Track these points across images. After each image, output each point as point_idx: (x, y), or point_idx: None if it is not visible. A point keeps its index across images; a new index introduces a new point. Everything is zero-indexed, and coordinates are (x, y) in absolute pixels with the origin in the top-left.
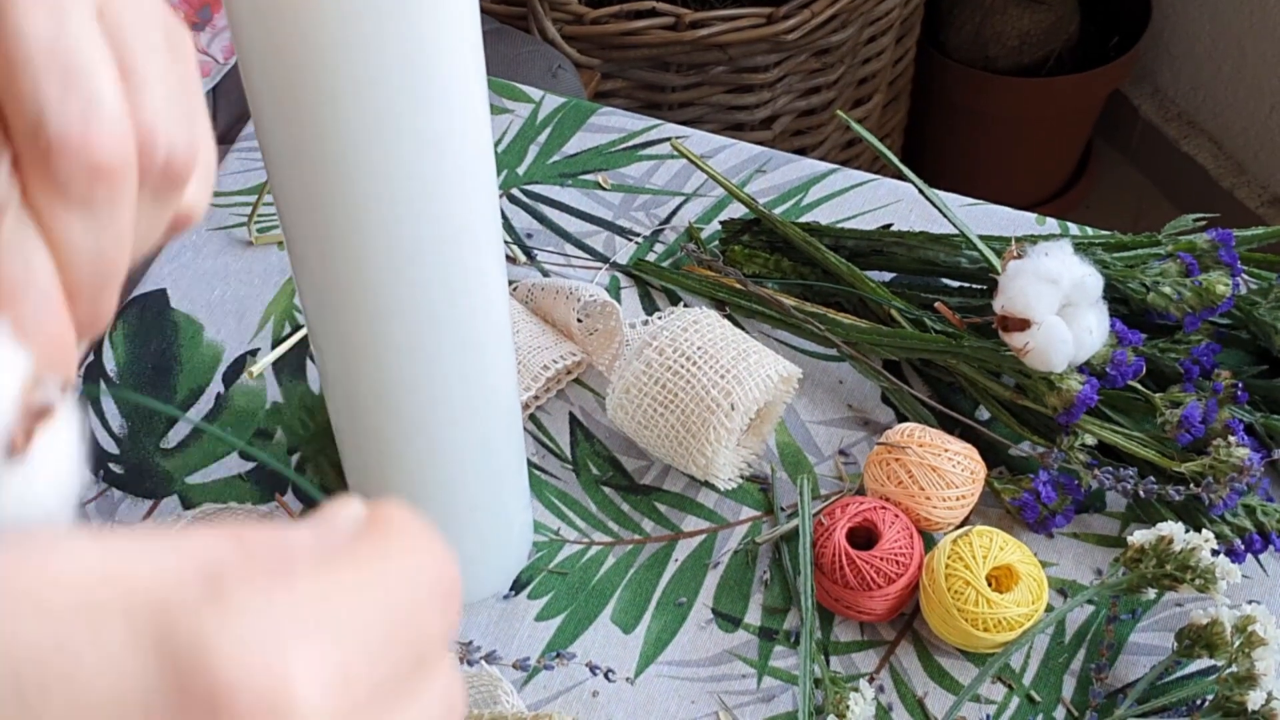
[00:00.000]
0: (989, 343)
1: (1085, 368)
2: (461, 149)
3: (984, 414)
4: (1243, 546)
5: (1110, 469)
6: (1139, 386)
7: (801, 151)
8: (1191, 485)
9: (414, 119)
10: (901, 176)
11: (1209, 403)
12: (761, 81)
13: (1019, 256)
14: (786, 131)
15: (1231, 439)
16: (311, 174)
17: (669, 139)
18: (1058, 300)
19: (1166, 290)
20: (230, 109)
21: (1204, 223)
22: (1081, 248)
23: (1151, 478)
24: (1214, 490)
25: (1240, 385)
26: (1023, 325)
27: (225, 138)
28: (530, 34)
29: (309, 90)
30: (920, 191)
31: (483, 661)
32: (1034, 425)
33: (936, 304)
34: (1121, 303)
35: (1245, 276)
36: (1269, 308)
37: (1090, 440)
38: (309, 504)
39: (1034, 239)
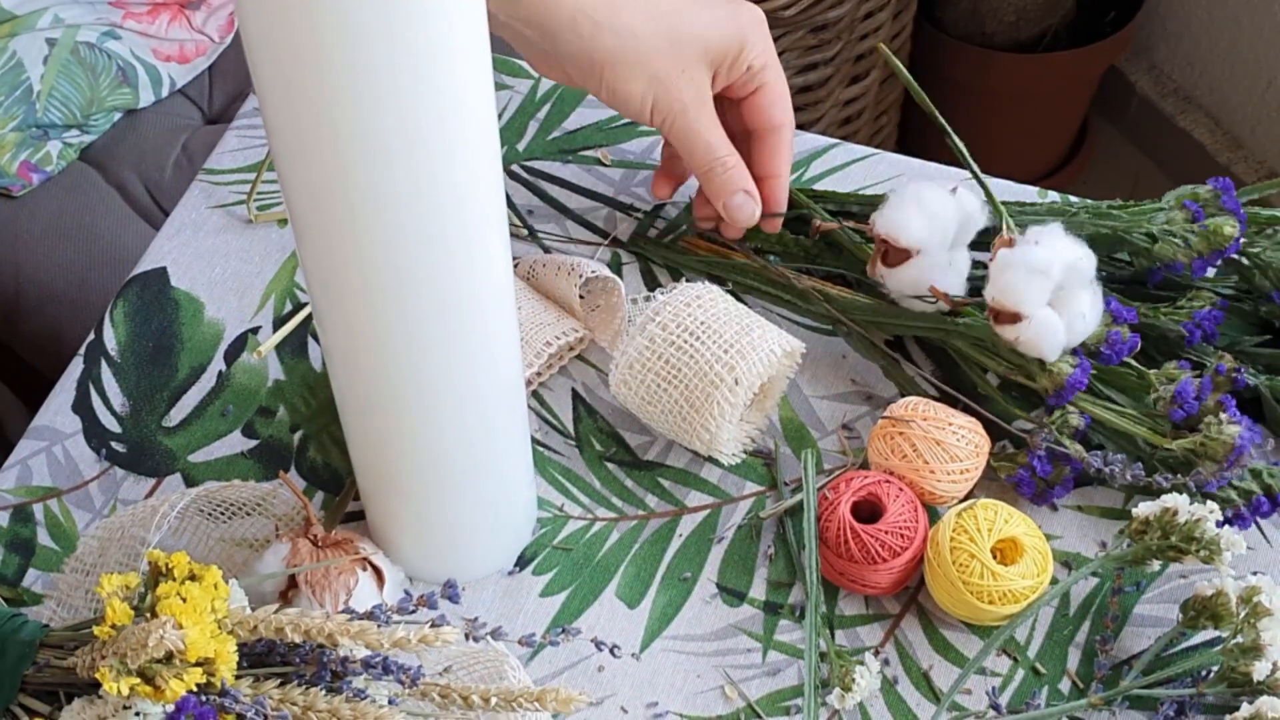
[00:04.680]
0: (986, 321)
1: (1080, 348)
2: (466, 124)
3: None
4: (1248, 511)
5: (1098, 453)
6: (1133, 362)
7: (799, 127)
8: (1178, 475)
9: (417, 94)
10: (903, 151)
11: (1203, 380)
12: None
13: (1010, 244)
14: None
15: (1223, 415)
16: (314, 148)
17: None
18: (1049, 291)
19: (1174, 238)
20: (226, 87)
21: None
22: (1086, 210)
23: (1139, 463)
24: (1201, 479)
25: (1240, 369)
26: (1014, 318)
27: (222, 116)
28: None
29: (311, 66)
30: (965, 166)
31: (489, 637)
32: (1032, 401)
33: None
34: (1125, 264)
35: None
36: (1275, 249)
37: (1076, 420)
38: (313, 481)
39: (1031, 217)
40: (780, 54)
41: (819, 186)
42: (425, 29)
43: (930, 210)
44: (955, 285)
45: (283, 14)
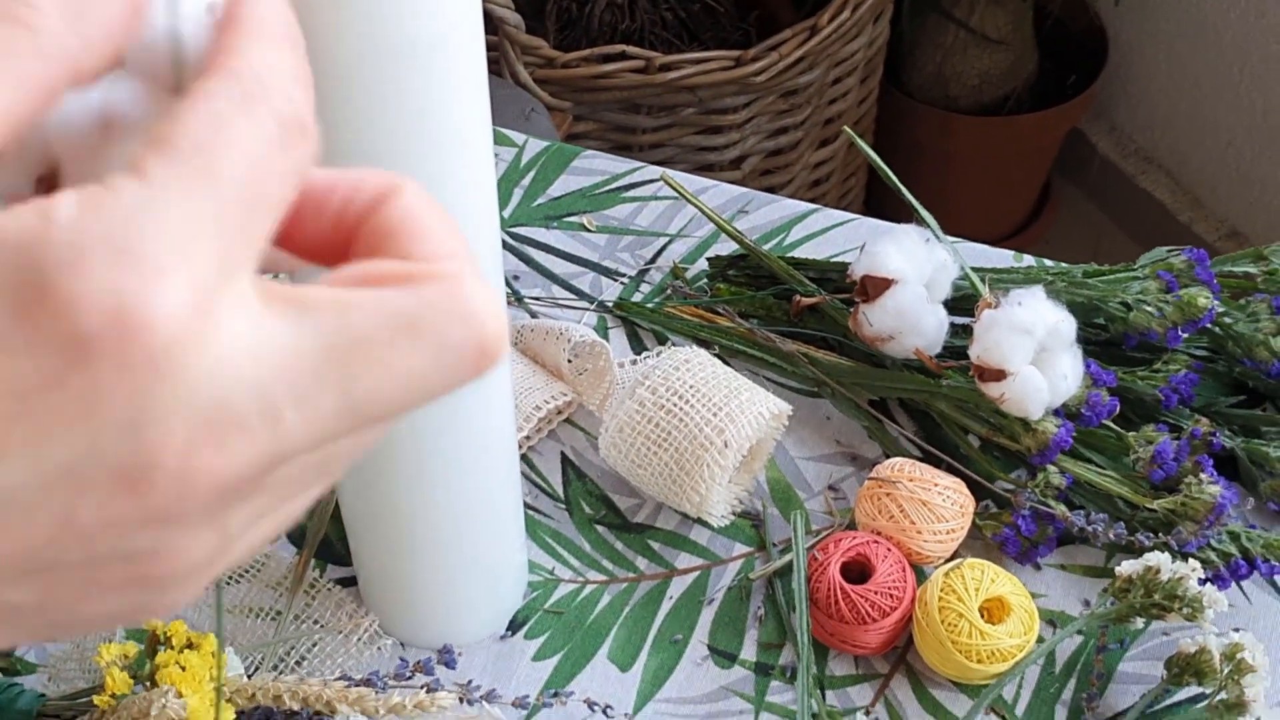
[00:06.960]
0: (969, 382)
1: (1060, 410)
2: (466, 193)
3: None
4: (1229, 573)
5: (1081, 512)
6: (1111, 425)
7: (770, 190)
8: (1159, 534)
9: (422, 167)
10: (871, 210)
11: (1181, 441)
12: (730, 123)
13: (994, 306)
14: (755, 171)
15: (1203, 475)
16: None
17: (652, 180)
18: (1032, 349)
19: (1149, 308)
20: None
21: (1177, 254)
22: (1060, 275)
23: (1121, 523)
24: (1182, 538)
25: (1216, 433)
26: (998, 376)
27: None
28: (503, 78)
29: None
30: (933, 232)
31: (483, 701)
32: (1012, 462)
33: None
34: (1101, 328)
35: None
36: (1247, 321)
37: (1058, 480)
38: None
39: (1008, 281)
40: (751, 119)
41: (798, 253)
42: (428, 104)
43: (906, 247)
44: (935, 330)
45: None
